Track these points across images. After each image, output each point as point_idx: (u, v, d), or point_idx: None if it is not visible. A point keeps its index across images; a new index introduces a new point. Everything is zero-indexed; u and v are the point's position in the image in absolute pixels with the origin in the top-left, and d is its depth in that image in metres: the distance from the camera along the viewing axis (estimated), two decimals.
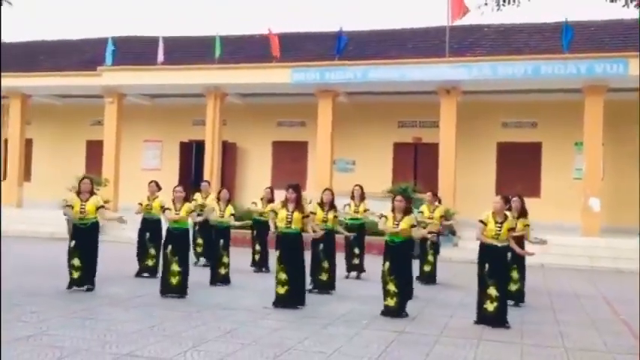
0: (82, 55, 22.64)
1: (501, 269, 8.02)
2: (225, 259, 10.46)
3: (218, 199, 10.90)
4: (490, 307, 7.85)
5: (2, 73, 19.48)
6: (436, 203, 11.53)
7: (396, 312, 8.09)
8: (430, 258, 11.20)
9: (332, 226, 10.25)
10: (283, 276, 8.48)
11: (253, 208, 12.31)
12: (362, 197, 11.52)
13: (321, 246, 10.03)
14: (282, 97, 20.20)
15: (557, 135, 18.73)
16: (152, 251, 10.99)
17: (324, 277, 9.98)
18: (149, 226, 11.12)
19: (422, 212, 11.20)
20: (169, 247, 9.25)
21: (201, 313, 7.95)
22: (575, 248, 15.20)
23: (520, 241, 8.98)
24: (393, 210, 8.28)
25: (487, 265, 7.94)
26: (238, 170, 21.59)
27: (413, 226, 8.22)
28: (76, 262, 9.15)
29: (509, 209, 8.72)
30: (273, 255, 9.41)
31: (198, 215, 10.61)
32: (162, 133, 22.35)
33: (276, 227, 8.87)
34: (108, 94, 20.19)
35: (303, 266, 8.63)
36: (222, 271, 10.41)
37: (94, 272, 9.32)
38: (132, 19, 55.08)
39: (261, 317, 7.87)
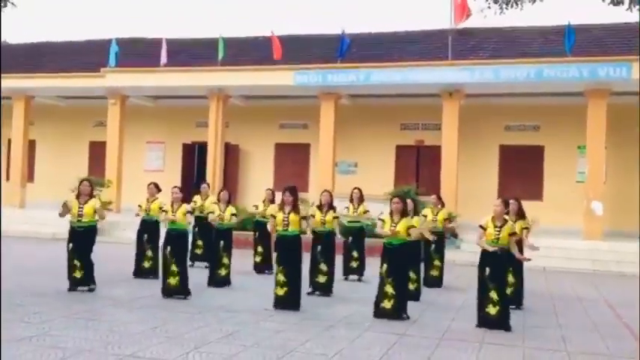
0: (85, 56, 22.68)
1: (502, 273, 8.03)
2: (225, 261, 10.47)
3: (218, 200, 10.92)
4: (492, 310, 7.85)
5: (6, 74, 19.58)
6: (439, 206, 11.52)
7: (391, 315, 8.09)
8: (437, 262, 11.20)
9: (331, 228, 10.23)
10: (282, 278, 8.51)
11: (255, 211, 12.32)
12: (361, 200, 11.54)
13: (319, 248, 10.03)
14: (285, 99, 20.23)
15: (559, 138, 18.72)
16: (149, 253, 11.01)
17: (321, 279, 9.96)
18: (147, 227, 11.14)
19: (425, 216, 11.15)
20: (168, 248, 9.29)
21: (203, 315, 7.97)
22: (578, 252, 15.18)
23: (519, 244, 8.98)
24: (391, 212, 8.29)
25: (488, 269, 7.95)
26: (241, 172, 21.61)
27: (411, 226, 8.22)
28: (76, 262, 9.21)
29: (508, 213, 8.74)
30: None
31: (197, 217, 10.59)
32: (164, 135, 22.39)
33: (276, 231, 8.88)
34: (111, 96, 20.23)
35: (299, 268, 8.63)
36: (223, 272, 10.42)
37: (92, 272, 9.35)
38: (135, 21, 55.25)
39: (263, 319, 7.88)
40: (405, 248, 8.30)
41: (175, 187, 9.84)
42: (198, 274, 10.76)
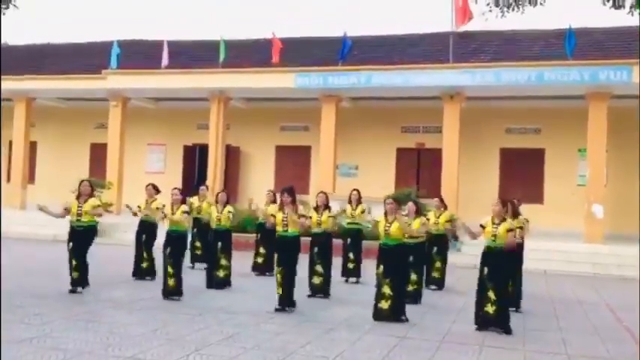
0: (87, 58, 22.71)
1: (501, 273, 8.04)
2: (223, 262, 10.45)
3: (216, 201, 10.93)
4: (490, 309, 7.89)
5: (8, 76, 19.60)
6: (441, 209, 11.55)
7: (389, 316, 8.09)
8: (438, 264, 11.21)
9: (327, 228, 10.18)
10: (281, 278, 8.52)
11: (257, 210, 12.31)
12: (359, 201, 11.59)
13: (316, 249, 10.02)
14: (286, 101, 20.25)
15: (560, 141, 18.73)
16: (146, 254, 11.02)
17: (316, 280, 9.92)
18: (145, 228, 11.14)
19: (428, 219, 11.14)
20: (167, 249, 9.31)
21: (203, 317, 7.97)
22: (578, 255, 15.16)
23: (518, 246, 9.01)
24: (386, 213, 8.32)
25: (486, 269, 8.00)
26: (241, 174, 21.62)
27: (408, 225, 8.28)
28: (74, 262, 9.24)
29: (507, 212, 8.80)
30: None
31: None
32: (166, 137, 22.41)
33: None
34: (112, 98, 20.25)
35: (294, 269, 8.60)
36: (221, 274, 10.41)
37: (87, 273, 9.36)
38: (137, 23, 55.32)
39: (264, 321, 7.88)
40: (402, 249, 8.32)
41: (175, 188, 9.85)
42: (198, 275, 10.77)
